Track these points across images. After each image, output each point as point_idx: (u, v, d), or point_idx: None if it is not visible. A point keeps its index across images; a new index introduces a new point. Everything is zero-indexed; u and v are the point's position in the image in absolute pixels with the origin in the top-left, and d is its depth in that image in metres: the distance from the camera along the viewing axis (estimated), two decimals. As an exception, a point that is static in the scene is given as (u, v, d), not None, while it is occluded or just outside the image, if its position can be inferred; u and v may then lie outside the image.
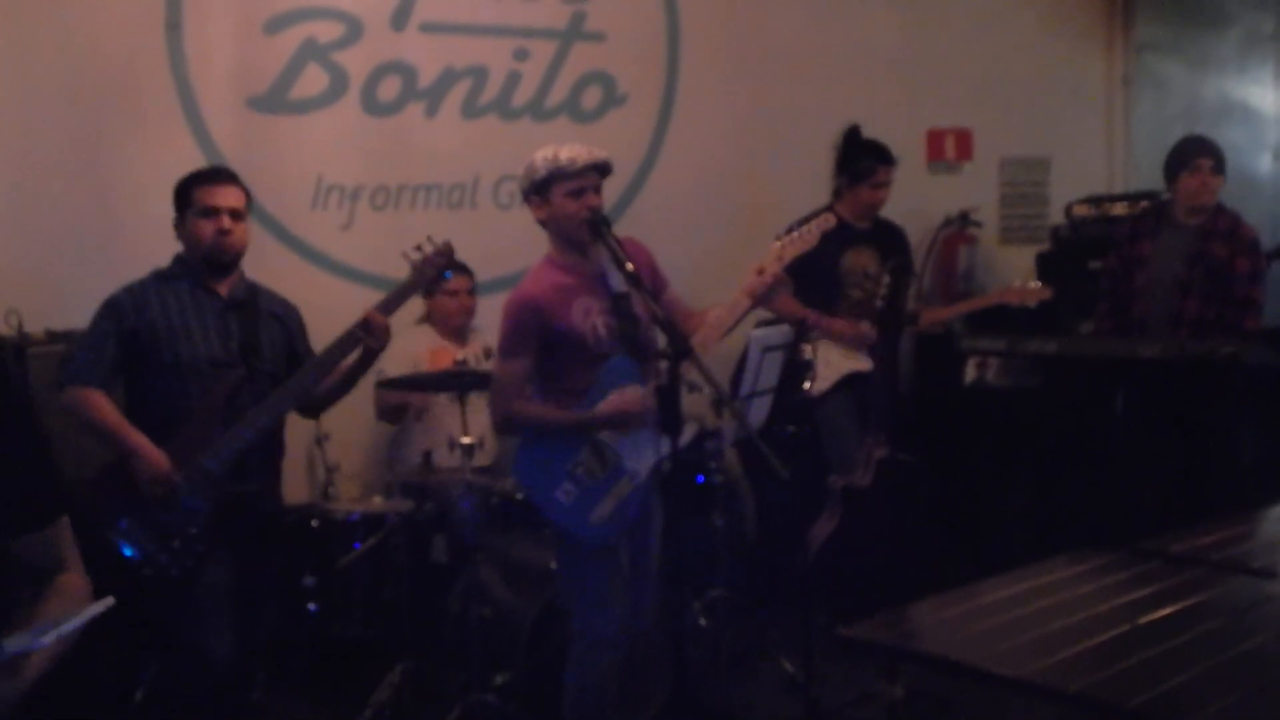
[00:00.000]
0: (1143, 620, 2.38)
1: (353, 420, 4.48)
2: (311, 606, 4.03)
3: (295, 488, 4.39)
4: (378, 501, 4.34)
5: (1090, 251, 5.48)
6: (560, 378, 3.28)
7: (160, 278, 3.42)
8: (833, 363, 4.85)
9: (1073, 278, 5.47)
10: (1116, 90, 6.83)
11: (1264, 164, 6.86)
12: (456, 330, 4.66)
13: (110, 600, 1.67)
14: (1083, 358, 4.87)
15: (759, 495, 5.05)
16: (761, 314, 4.28)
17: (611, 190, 3.97)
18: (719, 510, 4.41)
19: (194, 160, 4.27)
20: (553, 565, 3.70)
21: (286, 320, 3.56)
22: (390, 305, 3.45)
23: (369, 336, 3.39)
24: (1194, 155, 4.68)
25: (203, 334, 3.35)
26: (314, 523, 4.14)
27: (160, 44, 4.44)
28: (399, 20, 4.86)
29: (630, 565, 3.33)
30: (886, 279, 4.38)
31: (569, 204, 3.20)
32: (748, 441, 4.25)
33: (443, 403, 4.43)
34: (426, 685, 3.95)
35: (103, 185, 4.36)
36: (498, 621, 3.80)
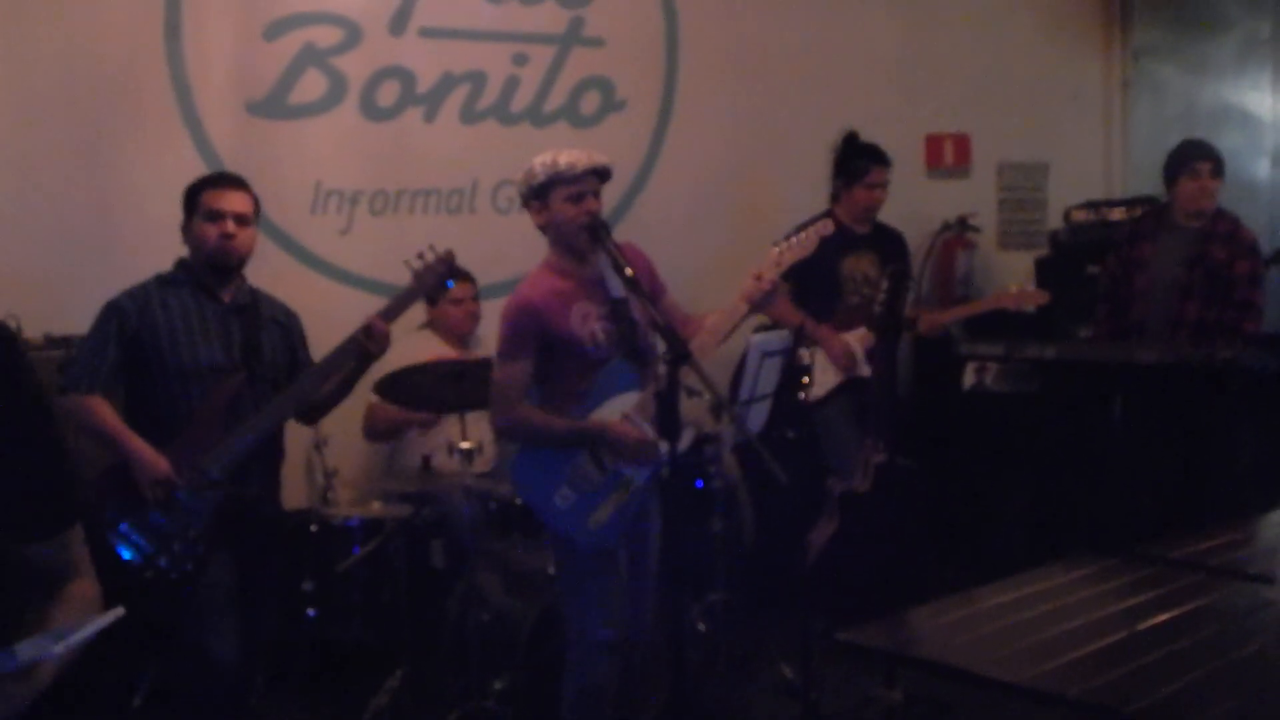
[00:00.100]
0: (1141, 625, 2.38)
1: (352, 425, 4.48)
2: (310, 611, 4.03)
3: (294, 492, 4.37)
4: (376, 506, 4.34)
5: (1088, 256, 5.49)
6: (558, 382, 3.28)
7: (162, 282, 3.41)
8: (830, 369, 4.85)
9: (1071, 282, 5.48)
10: (1114, 95, 6.85)
11: (1262, 169, 6.85)
12: (460, 337, 4.66)
13: (120, 610, 1.65)
14: (1081, 362, 4.88)
15: (758, 500, 5.04)
16: (761, 319, 4.28)
17: (610, 195, 3.96)
18: (718, 515, 4.40)
19: (193, 165, 4.28)
20: (551, 570, 3.70)
21: (288, 326, 3.56)
22: (392, 312, 3.46)
23: (370, 341, 3.40)
24: (1193, 159, 4.69)
25: (204, 338, 3.35)
26: (313, 527, 4.13)
27: (160, 49, 4.43)
28: (398, 25, 4.85)
29: (629, 570, 3.32)
30: (885, 284, 4.39)
31: (568, 209, 3.20)
32: (747, 446, 4.24)
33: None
34: (425, 690, 3.94)
35: (102, 190, 4.35)
36: (496, 626, 3.80)
